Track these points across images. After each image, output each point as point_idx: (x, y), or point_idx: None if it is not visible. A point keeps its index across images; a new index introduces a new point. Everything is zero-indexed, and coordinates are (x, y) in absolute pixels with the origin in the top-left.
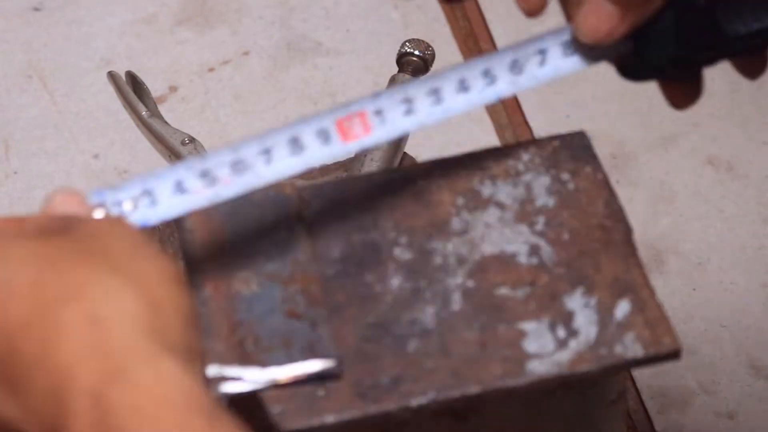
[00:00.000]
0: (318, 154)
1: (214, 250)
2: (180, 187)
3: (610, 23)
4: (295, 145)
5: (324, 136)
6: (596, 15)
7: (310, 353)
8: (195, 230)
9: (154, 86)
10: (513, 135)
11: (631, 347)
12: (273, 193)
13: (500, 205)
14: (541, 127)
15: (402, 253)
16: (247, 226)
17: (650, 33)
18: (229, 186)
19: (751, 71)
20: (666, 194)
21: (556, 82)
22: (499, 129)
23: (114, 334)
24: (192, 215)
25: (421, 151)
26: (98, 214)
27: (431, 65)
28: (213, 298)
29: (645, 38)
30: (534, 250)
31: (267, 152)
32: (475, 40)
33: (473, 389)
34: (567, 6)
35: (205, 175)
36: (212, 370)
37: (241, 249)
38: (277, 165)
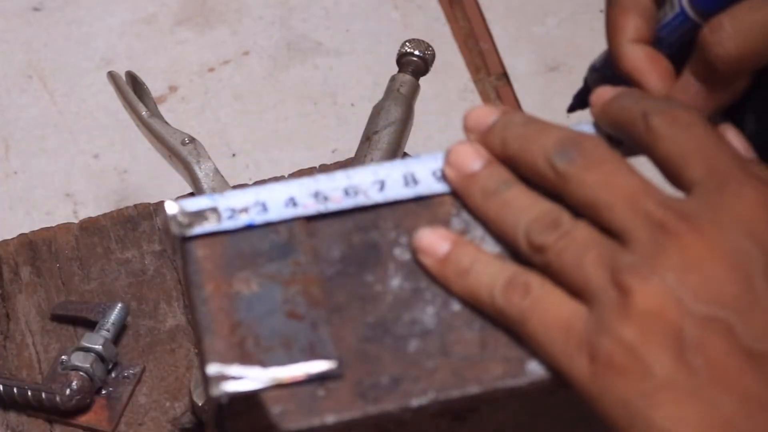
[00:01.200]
0: (431, 187)
1: (214, 249)
2: (292, 202)
3: (697, 101)
4: (410, 179)
5: (438, 175)
6: (685, 91)
7: (310, 354)
8: None
9: (154, 86)
10: None
11: None
12: None
13: None
14: None
15: (402, 253)
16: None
17: (740, 115)
18: (340, 203)
19: None
20: None
21: None
22: None
23: None
24: None
25: (422, 151)
26: None
27: (431, 65)
28: (213, 297)
29: (737, 120)
30: None
31: (381, 182)
32: (475, 40)
33: (473, 389)
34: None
35: (317, 195)
36: (213, 369)
37: (242, 249)
38: (389, 192)
